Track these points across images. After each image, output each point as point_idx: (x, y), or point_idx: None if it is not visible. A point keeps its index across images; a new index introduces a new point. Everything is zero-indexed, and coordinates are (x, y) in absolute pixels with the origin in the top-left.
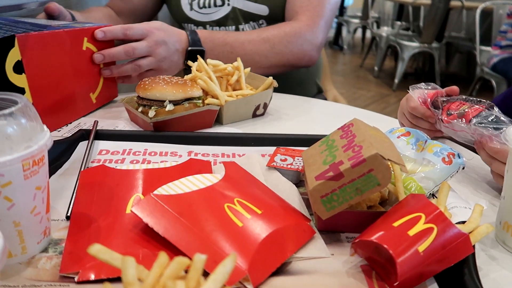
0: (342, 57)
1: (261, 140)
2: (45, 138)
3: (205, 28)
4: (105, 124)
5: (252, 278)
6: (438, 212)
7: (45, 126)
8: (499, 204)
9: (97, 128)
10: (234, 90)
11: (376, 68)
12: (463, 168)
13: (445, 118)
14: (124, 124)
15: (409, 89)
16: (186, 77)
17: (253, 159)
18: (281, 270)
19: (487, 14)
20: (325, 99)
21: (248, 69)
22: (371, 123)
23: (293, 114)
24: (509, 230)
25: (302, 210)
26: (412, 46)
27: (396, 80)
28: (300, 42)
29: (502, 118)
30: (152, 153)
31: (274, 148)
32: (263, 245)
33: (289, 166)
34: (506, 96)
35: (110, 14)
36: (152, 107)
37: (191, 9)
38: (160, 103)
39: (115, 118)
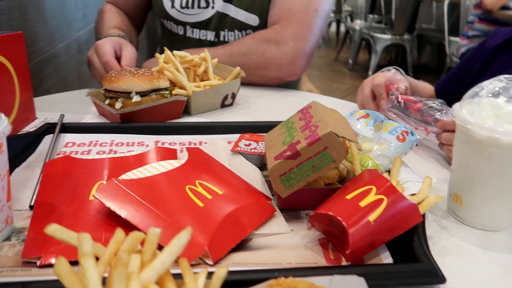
0: (317, 51)
1: (227, 128)
2: (2, 125)
3: (185, 28)
4: (72, 118)
5: (212, 254)
6: (389, 185)
7: (2, 114)
8: (449, 177)
9: (64, 122)
10: (202, 80)
11: (350, 61)
12: (416, 145)
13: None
14: (92, 118)
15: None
16: (153, 69)
17: (218, 145)
18: (241, 246)
19: (455, 6)
20: None
21: (216, 60)
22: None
23: (261, 103)
24: (458, 201)
25: (264, 190)
26: (384, 38)
27: (370, 72)
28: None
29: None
30: (119, 144)
31: (239, 135)
32: (223, 223)
33: (252, 150)
34: (447, 80)
35: (118, 12)
36: (119, 99)
37: (172, 6)
38: (127, 94)
39: (82, 113)
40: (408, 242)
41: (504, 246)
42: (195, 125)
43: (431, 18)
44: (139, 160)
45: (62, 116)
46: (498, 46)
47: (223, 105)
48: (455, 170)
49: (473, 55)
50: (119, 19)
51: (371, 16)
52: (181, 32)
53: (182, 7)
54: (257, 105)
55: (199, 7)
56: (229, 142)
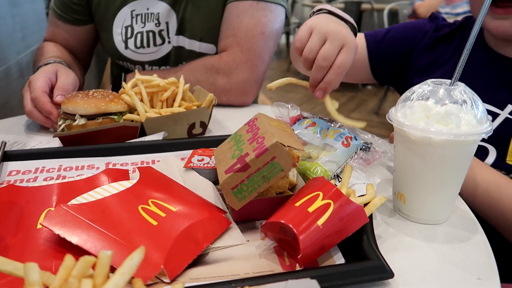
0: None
1: (180, 144)
2: None
3: (143, 67)
4: (16, 146)
5: (168, 271)
6: (335, 190)
7: None
8: (393, 177)
9: (6, 150)
10: (171, 106)
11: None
12: (360, 149)
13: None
14: (37, 144)
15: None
16: (121, 91)
17: (171, 163)
18: (198, 261)
19: (394, 14)
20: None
21: (188, 85)
22: None
23: (233, 127)
24: (402, 199)
25: (219, 204)
26: None
27: None
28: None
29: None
30: (68, 169)
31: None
32: (178, 239)
33: (205, 165)
34: (381, 41)
35: (58, 45)
36: (66, 121)
37: (126, 47)
38: (73, 117)
39: (26, 139)
40: (358, 242)
41: (445, 237)
42: (147, 144)
43: (374, 26)
44: (89, 184)
45: (3, 143)
46: (441, 37)
47: (190, 134)
48: (396, 170)
49: (419, 30)
50: (58, 51)
51: None
52: (139, 70)
53: (137, 47)
54: (230, 130)
55: (155, 45)
56: (182, 159)
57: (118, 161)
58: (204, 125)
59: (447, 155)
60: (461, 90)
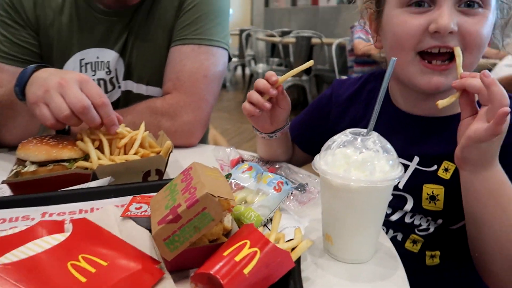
0: (226, 94)
1: (121, 191)
2: None
3: None
4: None
5: None
6: (261, 237)
7: None
8: (322, 219)
9: None
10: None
11: None
12: (292, 193)
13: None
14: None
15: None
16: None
17: (108, 212)
18: None
19: (342, 48)
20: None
21: (147, 132)
22: None
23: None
24: (329, 240)
25: (154, 254)
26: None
27: None
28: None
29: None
30: (0, 221)
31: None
32: None
33: (143, 213)
34: (304, 119)
35: None
36: (16, 167)
37: None
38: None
39: None
40: (285, 286)
41: (368, 275)
42: (86, 191)
43: (325, 59)
44: (22, 238)
45: None
46: (349, 96)
47: (147, 181)
48: (323, 213)
49: (324, 106)
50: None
51: (274, 59)
52: None
53: None
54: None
55: (106, 91)
56: (122, 205)
57: (55, 211)
58: (160, 173)
59: (364, 200)
60: (374, 140)
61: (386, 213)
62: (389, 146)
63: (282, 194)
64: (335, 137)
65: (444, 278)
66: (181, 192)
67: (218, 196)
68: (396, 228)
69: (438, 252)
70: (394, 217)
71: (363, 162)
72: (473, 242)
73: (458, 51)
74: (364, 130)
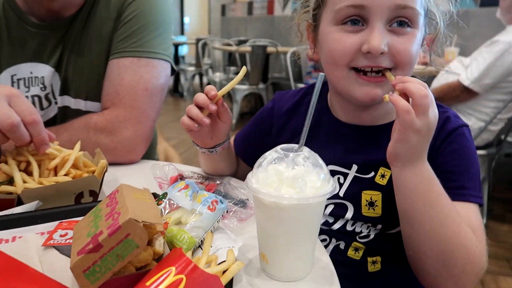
0: (184, 103)
1: (48, 216)
2: None
3: None
4: None
5: None
6: (187, 263)
7: None
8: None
9: None
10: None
11: None
12: (227, 212)
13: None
14: None
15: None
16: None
17: (28, 242)
18: None
19: (298, 56)
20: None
21: (81, 153)
22: None
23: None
24: (265, 259)
25: (77, 286)
26: (242, 88)
27: (234, 121)
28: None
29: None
30: None
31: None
32: None
33: (68, 240)
34: (247, 133)
35: None
36: None
37: None
38: None
39: None
40: None
41: None
42: (8, 218)
43: (281, 67)
44: None
45: None
46: (290, 108)
47: (80, 204)
48: (258, 231)
49: (266, 119)
50: None
51: (231, 68)
52: None
53: None
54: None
55: (42, 108)
56: (48, 232)
57: None
58: (94, 194)
59: (296, 217)
60: (305, 156)
61: (328, 222)
62: (320, 161)
63: (217, 214)
64: (266, 154)
65: (387, 283)
66: (104, 218)
67: (142, 221)
68: (339, 237)
69: (379, 258)
70: (336, 226)
71: (294, 179)
72: (407, 241)
73: (390, 76)
74: (295, 146)
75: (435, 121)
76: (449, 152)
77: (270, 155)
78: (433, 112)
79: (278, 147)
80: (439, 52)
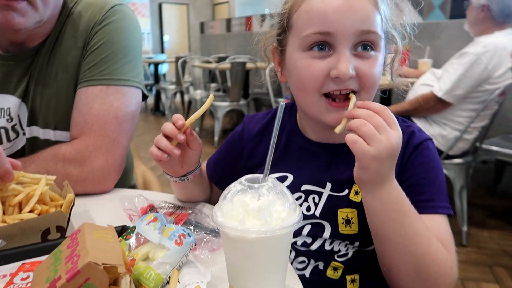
0: (165, 122)
1: (11, 256)
2: None
3: None
4: None
5: None
6: None
7: None
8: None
9: None
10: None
11: (197, 129)
12: (195, 245)
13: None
14: None
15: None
16: None
17: None
18: None
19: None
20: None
21: (47, 187)
22: None
23: (99, 218)
24: None
25: None
26: (223, 105)
27: (216, 138)
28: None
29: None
30: None
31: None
32: None
33: (29, 285)
34: (219, 158)
35: None
36: None
37: None
38: None
39: None
40: None
41: None
42: None
43: (261, 83)
44: None
45: None
46: (260, 131)
47: (46, 241)
48: (227, 265)
49: (237, 142)
50: None
51: (212, 85)
52: None
53: None
54: (93, 221)
55: (9, 140)
56: (11, 274)
57: None
58: (61, 229)
59: (265, 250)
60: (268, 187)
61: (307, 242)
62: (285, 190)
63: (184, 248)
64: (231, 186)
65: None
66: (64, 261)
67: (103, 264)
68: (317, 257)
69: (357, 276)
70: (314, 246)
71: (260, 210)
72: (380, 258)
73: (353, 98)
74: (260, 175)
75: (396, 143)
76: (416, 165)
77: (234, 187)
78: (393, 135)
79: (243, 178)
80: (400, 72)
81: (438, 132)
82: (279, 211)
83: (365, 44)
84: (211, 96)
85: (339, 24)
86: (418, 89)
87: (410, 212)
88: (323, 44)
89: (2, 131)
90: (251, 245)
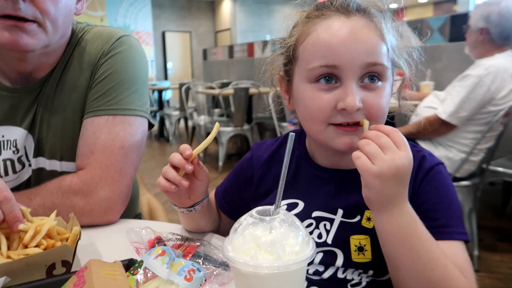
0: (170, 148)
1: None
2: None
3: None
4: None
5: None
6: None
7: None
8: None
9: None
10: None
11: (201, 155)
12: (205, 280)
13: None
14: None
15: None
16: None
17: None
18: None
19: (279, 96)
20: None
21: (55, 223)
22: None
23: (105, 251)
24: None
25: None
26: (227, 131)
27: (220, 163)
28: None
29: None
30: None
31: None
32: None
33: None
34: (228, 186)
35: None
36: None
37: None
38: None
39: None
40: None
41: None
42: None
43: (265, 108)
44: None
45: None
46: (269, 157)
47: (51, 276)
48: None
49: (246, 169)
50: None
51: (216, 110)
52: None
53: None
54: (100, 254)
55: (15, 172)
56: None
57: None
58: (67, 264)
59: (277, 285)
60: (280, 220)
61: (319, 270)
62: (297, 222)
63: (194, 283)
64: (242, 218)
65: None
66: None
67: None
68: (330, 286)
69: None
70: (326, 275)
71: (272, 244)
72: (395, 285)
73: (365, 124)
74: (271, 207)
75: (401, 164)
76: (428, 191)
77: (245, 220)
78: (399, 155)
79: (253, 211)
80: (406, 97)
81: (444, 154)
82: (292, 245)
83: (371, 75)
84: (217, 124)
85: (345, 56)
86: (422, 112)
87: (424, 237)
88: (330, 76)
89: (8, 162)
90: (263, 281)
